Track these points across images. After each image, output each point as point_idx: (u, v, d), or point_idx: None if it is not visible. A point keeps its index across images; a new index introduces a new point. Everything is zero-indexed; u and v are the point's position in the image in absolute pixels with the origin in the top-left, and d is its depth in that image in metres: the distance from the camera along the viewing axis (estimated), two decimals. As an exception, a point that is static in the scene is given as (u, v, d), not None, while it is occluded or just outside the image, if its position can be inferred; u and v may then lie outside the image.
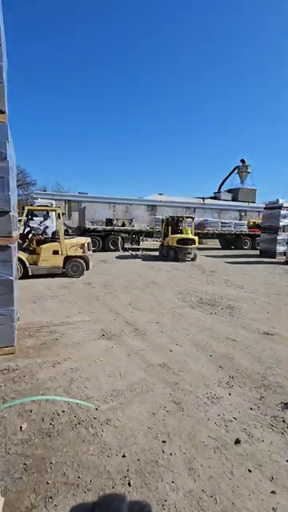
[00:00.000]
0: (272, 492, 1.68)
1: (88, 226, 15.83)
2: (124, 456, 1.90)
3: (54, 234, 8.42)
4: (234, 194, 33.04)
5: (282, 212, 15.03)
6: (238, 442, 2.06)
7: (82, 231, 15.77)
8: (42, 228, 9.25)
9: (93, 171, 73.50)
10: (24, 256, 7.42)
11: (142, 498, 1.61)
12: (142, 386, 2.75)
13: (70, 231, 16.28)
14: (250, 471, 1.83)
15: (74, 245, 7.89)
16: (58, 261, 7.71)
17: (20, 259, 7.14)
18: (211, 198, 30.21)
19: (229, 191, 33.79)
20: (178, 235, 12.58)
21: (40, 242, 7.89)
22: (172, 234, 12.72)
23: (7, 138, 3.03)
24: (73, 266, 7.93)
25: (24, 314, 4.58)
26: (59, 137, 73.34)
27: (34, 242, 7.86)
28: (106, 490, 1.65)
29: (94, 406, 2.40)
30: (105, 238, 15.85)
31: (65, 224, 17.11)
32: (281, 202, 15.37)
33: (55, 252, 7.67)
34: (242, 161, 34.89)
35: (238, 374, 3.06)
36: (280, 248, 14.86)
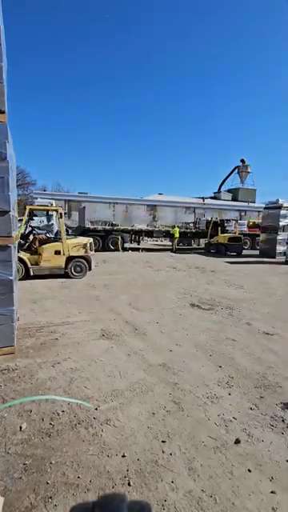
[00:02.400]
0: (272, 492, 1.68)
1: (88, 225, 15.85)
2: (124, 456, 1.90)
3: (56, 233, 8.39)
4: (234, 193, 33.03)
5: (282, 212, 15.04)
6: (237, 441, 2.06)
7: (82, 231, 15.80)
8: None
9: (93, 171, 73.59)
10: (26, 256, 7.29)
11: (141, 497, 1.61)
12: (142, 385, 2.75)
13: (70, 231, 16.30)
14: (249, 471, 1.83)
15: (76, 245, 7.82)
16: (60, 261, 7.63)
17: (21, 259, 7.05)
18: (211, 197, 30.18)
19: (229, 191, 33.78)
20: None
21: (42, 242, 7.73)
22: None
23: (7, 137, 3.03)
24: (75, 267, 7.86)
25: (24, 314, 4.58)
26: (59, 137, 73.42)
27: (37, 241, 7.70)
28: (106, 490, 1.65)
29: (93, 406, 2.40)
30: (105, 238, 15.90)
31: (65, 224, 17.12)
32: (281, 201, 15.38)
33: (57, 252, 7.57)
34: (242, 161, 34.86)
35: (237, 373, 3.06)
36: (280, 248, 14.88)
